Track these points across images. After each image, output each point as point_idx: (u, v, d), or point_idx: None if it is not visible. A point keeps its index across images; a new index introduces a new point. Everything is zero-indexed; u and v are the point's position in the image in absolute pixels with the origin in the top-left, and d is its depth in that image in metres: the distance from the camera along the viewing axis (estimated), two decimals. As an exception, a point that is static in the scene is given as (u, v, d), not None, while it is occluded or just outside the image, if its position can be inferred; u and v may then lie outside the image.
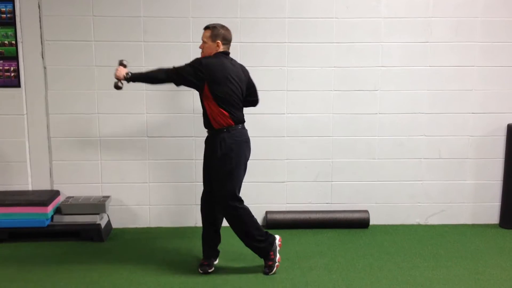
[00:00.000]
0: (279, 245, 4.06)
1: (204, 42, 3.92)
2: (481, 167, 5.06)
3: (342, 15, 4.80)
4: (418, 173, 5.04)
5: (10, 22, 4.64)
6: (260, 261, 4.13)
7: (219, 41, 3.87)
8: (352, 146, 4.98)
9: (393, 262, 4.23)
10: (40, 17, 4.68)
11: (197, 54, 4.72)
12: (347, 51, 4.85)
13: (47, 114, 4.80)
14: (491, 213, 5.12)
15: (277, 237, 4.07)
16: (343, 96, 4.91)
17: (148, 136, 4.88)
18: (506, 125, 4.98)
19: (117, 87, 3.91)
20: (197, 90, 3.86)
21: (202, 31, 3.94)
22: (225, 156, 3.84)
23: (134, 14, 4.72)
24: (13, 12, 4.62)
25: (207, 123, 3.92)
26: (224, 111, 3.81)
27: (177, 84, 3.89)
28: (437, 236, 4.81)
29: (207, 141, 4.00)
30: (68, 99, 4.79)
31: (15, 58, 4.69)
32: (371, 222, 5.03)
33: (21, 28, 4.67)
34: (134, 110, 4.84)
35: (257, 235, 3.96)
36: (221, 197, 3.92)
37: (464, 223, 5.13)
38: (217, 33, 3.88)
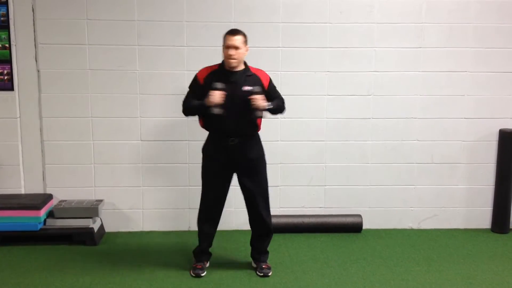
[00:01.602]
0: None
1: (237, 48, 3.77)
2: (473, 172, 5.08)
3: (335, 20, 4.82)
4: (411, 178, 5.06)
5: (4, 25, 4.63)
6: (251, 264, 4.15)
7: (248, 46, 3.90)
8: (345, 151, 5.00)
9: (386, 266, 4.25)
10: (34, 20, 4.67)
11: (192, 58, 4.74)
12: (341, 56, 4.87)
13: (40, 118, 4.79)
14: (483, 218, 5.15)
15: None
16: (336, 100, 4.93)
17: (141, 140, 4.88)
18: (498, 130, 5.01)
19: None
20: None
21: (227, 36, 3.82)
22: (264, 155, 4.08)
23: (128, 18, 4.72)
24: (7, 15, 4.61)
25: (250, 129, 3.94)
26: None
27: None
28: (429, 241, 4.83)
29: (233, 148, 3.86)
30: (61, 102, 4.78)
31: (8, 61, 4.67)
32: (364, 226, 5.04)
33: (14, 31, 4.66)
34: (128, 114, 4.83)
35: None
36: (264, 197, 4.04)
37: (456, 227, 5.15)
38: (247, 38, 3.88)
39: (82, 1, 4.66)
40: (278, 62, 4.83)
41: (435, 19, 4.85)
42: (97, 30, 4.71)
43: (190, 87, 3.98)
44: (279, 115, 4.26)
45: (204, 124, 3.99)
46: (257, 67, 4.63)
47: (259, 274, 4.04)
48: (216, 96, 3.72)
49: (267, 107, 3.80)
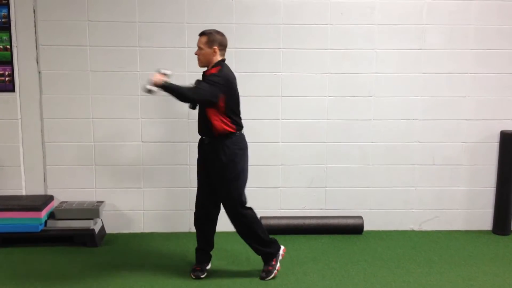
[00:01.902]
0: (282, 255, 4.09)
1: (200, 48, 3.86)
2: (474, 174, 5.08)
3: (336, 21, 4.82)
4: (412, 179, 5.06)
5: (5, 26, 4.64)
6: (255, 266, 4.14)
7: (215, 47, 3.85)
8: (346, 152, 5.00)
9: (387, 268, 4.24)
10: (35, 22, 4.67)
11: (193, 59, 4.74)
12: (342, 57, 4.87)
13: (42, 119, 4.79)
14: (484, 219, 5.14)
15: (283, 247, 4.12)
16: (337, 102, 4.93)
17: (142, 141, 4.88)
18: (499, 132, 5.01)
19: (149, 91, 3.70)
20: (210, 105, 3.79)
21: (197, 37, 3.91)
22: (231, 162, 3.86)
23: (129, 20, 4.72)
24: (8, 16, 4.62)
25: (207, 131, 3.88)
26: (228, 120, 3.83)
27: (194, 106, 3.98)
28: (430, 242, 4.82)
29: (205, 148, 3.93)
30: (62, 103, 4.78)
31: (9, 62, 4.68)
32: (365, 228, 5.04)
33: (16, 33, 4.67)
34: (129, 115, 4.84)
35: (264, 239, 4.01)
36: (230, 205, 3.96)
37: (458, 229, 5.15)
38: (213, 38, 3.84)
39: (83, 2, 4.67)
40: (279, 63, 4.83)
41: (436, 21, 4.85)
42: (98, 32, 4.72)
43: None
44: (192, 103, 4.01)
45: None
46: (257, 68, 4.66)
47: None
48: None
49: (158, 83, 3.63)
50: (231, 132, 3.85)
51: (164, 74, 3.71)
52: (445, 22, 4.86)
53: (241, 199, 3.95)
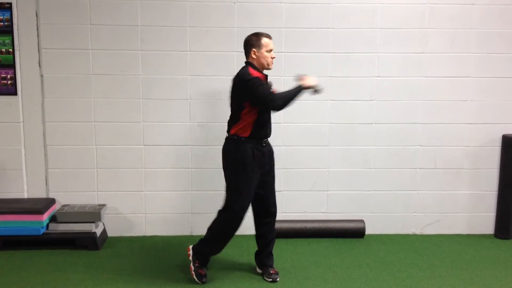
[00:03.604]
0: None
1: (272, 51, 3.92)
2: (476, 177, 5.07)
3: (338, 25, 4.83)
4: (413, 183, 5.06)
5: (7, 30, 4.65)
6: (255, 269, 4.14)
7: None
8: (348, 156, 5.00)
9: (388, 272, 4.24)
10: (37, 25, 4.69)
11: (195, 63, 4.76)
12: (343, 61, 4.87)
13: (44, 122, 4.80)
14: (486, 223, 5.13)
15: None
16: (339, 105, 4.93)
17: (144, 145, 4.88)
18: (501, 136, 5.00)
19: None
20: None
21: (269, 40, 3.88)
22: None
23: (131, 23, 4.73)
24: (10, 20, 4.63)
25: (270, 130, 4.01)
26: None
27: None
28: (432, 246, 4.81)
29: (265, 149, 3.96)
30: (64, 107, 4.79)
31: (12, 66, 4.69)
32: (367, 232, 5.03)
33: (18, 36, 4.68)
34: (131, 118, 4.84)
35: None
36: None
37: (459, 233, 5.14)
38: None
39: (85, 6, 4.68)
40: (281, 67, 4.84)
41: (438, 25, 4.86)
42: (101, 35, 4.73)
43: (261, 83, 3.80)
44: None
45: (252, 129, 3.88)
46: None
47: (267, 279, 4.03)
48: (313, 79, 3.88)
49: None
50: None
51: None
52: (447, 26, 4.86)
53: None
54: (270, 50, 3.87)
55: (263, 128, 3.91)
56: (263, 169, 3.94)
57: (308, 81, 3.85)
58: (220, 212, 3.98)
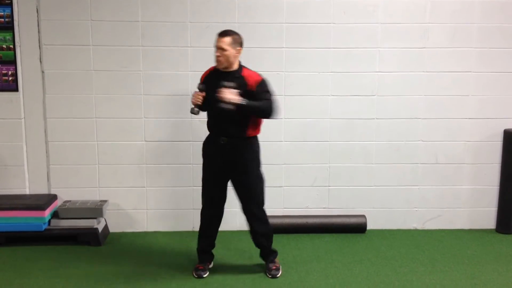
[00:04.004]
0: None
1: (223, 49, 3.77)
2: (477, 173, 5.07)
3: (339, 20, 4.82)
4: (415, 178, 5.05)
5: (8, 26, 4.64)
6: (258, 265, 4.15)
7: (239, 48, 3.85)
8: (349, 151, 5.00)
9: (390, 266, 4.24)
10: (38, 21, 4.68)
11: (196, 59, 4.75)
12: (345, 56, 4.86)
13: (45, 118, 4.80)
14: (487, 218, 5.13)
15: None
16: (340, 101, 4.92)
17: (145, 140, 4.89)
18: (503, 131, 5.00)
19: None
20: None
21: (216, 37, 3.83)
22: (257, 160, 4.02)
23: (132, 19, 4.73)
24: (11, 16, 4.63)
25: (240, 130, 3.87)
26: (259, 122, 3.98)
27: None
28: (433, 241, 4.82)
29: (231, 147, 3.88)
30: (66, 103, 4.79)
31: (13, 62, 4.69)
32: (368, 227, 5.04)
33: (19, 32, 4.67)
34: (132, 115, 4.84)
35: (272, 237, 4.14)
36: (254, 201, 4.01)
37: (461, 228, 5.14)
38: (238, 39, 3.83)
39: (86, 2, 4.68)
40: (282, 63, 4.83)
41: (439, 19, 4.85)
42: (101, 31, 4.72)
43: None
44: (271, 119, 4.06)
45: (207, 124, 4.06)
46: (260, 67, 4.63)
47: (268, 275, 4.05)
48: (194, 96, 3.86)
49: (237, 102, 3.68)
50: (256, 135, 4.02)
51: (232, 88, 3.75)
52: (449, 21, 4.85)
53: (262, 198, 4.09)
54: (216, 47, 3.83)
55: (213, 125, 4.04)
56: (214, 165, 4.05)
57: (192, 99, 3.88)
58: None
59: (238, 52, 3.85)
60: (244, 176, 3.96)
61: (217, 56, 3.82)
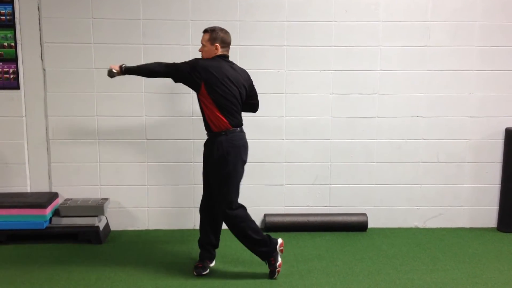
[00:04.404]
0: (281, 250, 4.02)
1: (203, 45, 3.94)
2: (479, 171, 5.07)
3: (341, 18, 4.81)
4: (416, 177, 5.05)
5: (9, 24, 4.64)
6: (259, 264, 4.15)
7: (217, 44, 3.88)
8: (350, 149, 4.99)
9: (391, 265, 4.24)
10: (39, 19, 4.68)
11: (197, 56, 4.73)
12: (346, 54, 4.86)
13: (46, 116, 4.80)
14: (489, 217, 5.13)
15: (279, 241, 4.00)
16: (341, 99, 4.92)
17: (147, 139, 4.89)
18: (504, 129, 4.99)
19: (111, 74, 3.99)
20: (194, 90, 3.90)
21: (202, 34, 3.95)
22: (222, 159, 3.84)
23: (134, 17, 4.72)
24: (12, 14, 4.63)
25: (206, 126, 3.94)
26: (221, 115, 3.83)
27: (175, 80, 3.95)
28: (435, 240, 4.81)
29: (206, 144, 4.02)
30: (67, 101, 4.79)
31: (14, 60, 4.69)
32: (370, 225, 5.03)
33: (20, 30, 4.67)
34: (133, 113, 4.84)
35: (256, 239, 3.92)
36: (219, 202, 3.93)
37: (462, 226, 5.14)
38: (215, 36, 3.89)
39: (87, 0, 4.67)
40: (283, 61, 4.83)
41: (441, 18, 4.84)
42: (102, 29, 4.72)
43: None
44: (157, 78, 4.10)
45: None
46: (261, 65, 4.65)
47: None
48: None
49: (121, 68, 3.95)
50: (228, 129, 3.85)
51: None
52: (450, 19, 4.85)
53: (230, 199, 3.89)
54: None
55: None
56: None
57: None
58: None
59: (217, 48, 3.91)
60: (210, 174, 3.98)
61: (199, 51, 4.01)
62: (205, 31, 3.95)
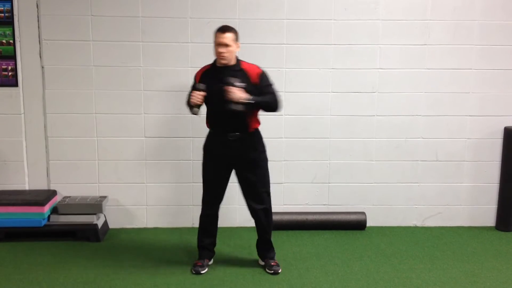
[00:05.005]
0: None
1: (227, 45, 3.78)
2: (478, 170, 5.07)
3: (340, 17, 4.80)
4: (415, 175, 5.05)
5: (8, 21, 4.63)
6: (257, 261, 4.15)
7: (239, 43, 3.89)
8: (349, 148, 4.99)
9: (389, 264, 4.24)
10: (38, 16, 4.67)
11: (197, 54, 4.74)
12: (345, 52, 4.85)
13: (45, 114, 4.79)
14: (487, 216, 5.13)
15: None
16: (340, 97, 4.92)
17: (145, 136, 4.88)
18: (503, 128, 4.99)
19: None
20: None
21: (217, 33, 3.82)
22: (265, 154, 4.05)
23: (133, 14, 4.71)
24: (11, 11, 4.62)
25: (242, 126, 3.88)
26: (258, 115, 3.99)
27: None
28: (433, 238, 4.82)
29: (232, 143, 3.90)
30: (65, 98, 4.78)
31: (12, 57, 4.68)
32: (368, 224, 5.04)
33: (19, 27, 4.66)
34: (132, 110, 4.83)
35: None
36: (265, 194, 4.04)
37: (461, 225, 5.14)
38: (238, 35, 3.88)
39: (86, -3, 4.68)
40: (283, 59, 4.82)
41: (440, 16, 4.84)
42: (101, 27, 4.71)
43: (191, 86, 3.99)
44: (276, 113, 4.08)
45: (207, 121, 4.04)
46: (261, 63, 4.61)
47: (268, 271, 4.03)
48: (194, 97, 3.79)
49: (245, 101, 3.70)
50: (258, 128, 4.02)
51: (239, 86, 3.74)
52: (450, 18, 4.84)
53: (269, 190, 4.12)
54: (218, 44, 3.81)
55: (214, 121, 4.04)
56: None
57: (191, 99, 3.82)
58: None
59: (238, 47, 3.89)
60: (257, 170, 3.99)
61: (222, 53, 3.80)
62: (228, 30, 3.79)
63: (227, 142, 3.89)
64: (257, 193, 4.01)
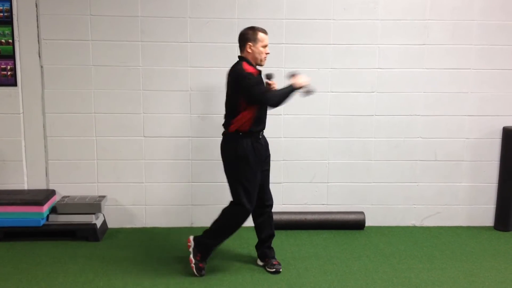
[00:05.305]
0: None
1: (267, 46, 3.90)
2: (476, 170, 5.07)
3: (339, 16, 4.81)
4: (413, 175, 5.06)
5: (7, 20, 4.63)
6: (256, 260, 4.15)
7: None
8: (348, 148, 4.99)
9: (388, 263, 4.24)
10: (37, 16, 4.67)
11: (196, 54, 4.74)
12: (344, 52, 4.86)
13: (44, 113, 4.79)
14: (486, 216, 5.14)
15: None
16: (339, 97, 4.92)
17: (144, 136, 4.88)
18: (502, 128, 5.00)
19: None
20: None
21: (266, 36, 3.86)
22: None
23: (132, 14, 4.71)
24: (10, 10, 4.61)
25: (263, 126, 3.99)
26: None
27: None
28: (432, 238, 4.82)
29: (263, 142, 3.99)
30: (64, 98, 4.78)
31: (11, 56, 4.67)
32: (367, 224, 5.04)
33: (18, 27, 4.66)
34: (131, 110, 4.83)
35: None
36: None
37: (459, 225, 5.15)
38: None
39: (85, -4, 4.67)
40: (282, 59, 4.82)
41: (439, 16, 4.84)
42: (101, 26, 4.71)
43: (256, 82, 3.79)
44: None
45: (248, 124, 3.85)
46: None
47: (270, 270, 4.04)
48: (304, 78, 3.85)
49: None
50: None
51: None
52: (449, 18, 4.85)
53: None
54: (265, 46, 3.84)
55: (262, 122, 3.94)
56: (263, 161, 3.96)
57: (299, 81, 3.83)
58: (230, 205, 3.96)
59: None
60: (268, 167, 4.12)
61: (267, 54, 3.91)
62: (266, 33, 3.87)
63: (264, 141, 4.01)
64: (269, 190, 4.13)
